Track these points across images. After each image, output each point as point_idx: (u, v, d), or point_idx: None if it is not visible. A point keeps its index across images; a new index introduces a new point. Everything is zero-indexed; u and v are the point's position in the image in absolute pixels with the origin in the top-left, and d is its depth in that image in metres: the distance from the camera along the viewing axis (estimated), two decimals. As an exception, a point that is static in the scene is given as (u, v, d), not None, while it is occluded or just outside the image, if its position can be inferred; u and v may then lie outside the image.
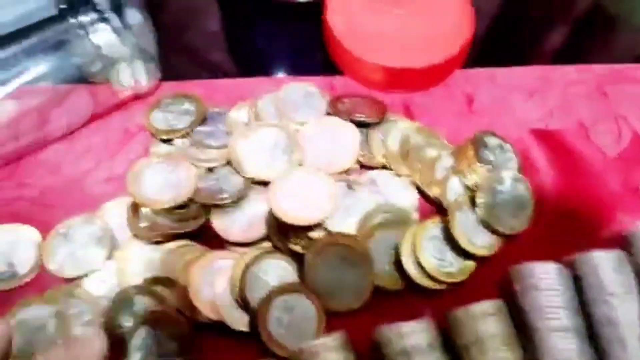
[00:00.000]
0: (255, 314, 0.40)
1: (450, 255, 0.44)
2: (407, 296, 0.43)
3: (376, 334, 0.38)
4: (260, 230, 0.44)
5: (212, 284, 0.41)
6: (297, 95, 0.49)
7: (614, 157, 0.49)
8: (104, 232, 0.43)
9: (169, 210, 0.43)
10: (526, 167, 0.48)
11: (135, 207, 0.44)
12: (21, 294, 0.42)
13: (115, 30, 0.46)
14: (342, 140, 0.47)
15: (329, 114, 0.49)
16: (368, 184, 0.47)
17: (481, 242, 0.44)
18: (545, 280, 0.39)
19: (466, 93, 0.53)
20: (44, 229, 0.44)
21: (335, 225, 0.44)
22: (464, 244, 0.44)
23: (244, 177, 0.45)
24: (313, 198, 0.44)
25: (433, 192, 0.46)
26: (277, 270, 0.42)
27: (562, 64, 0.54)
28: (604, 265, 0.40)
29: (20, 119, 0.46)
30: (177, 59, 0.55)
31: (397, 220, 0.45)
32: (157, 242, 0.43)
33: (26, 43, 0.47)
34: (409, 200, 0.46)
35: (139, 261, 0.42)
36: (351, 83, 0.53)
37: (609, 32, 0.59)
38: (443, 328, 0.39)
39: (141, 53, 0.47)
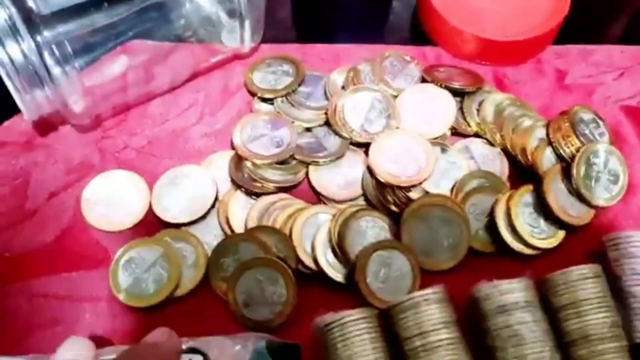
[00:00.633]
0: (353, 267, 0.42)
1: (542, 223, 0.45)
2: (499, 260, 0.44)
3: (475, 290, 0.39)
4: (357, 189, 0.46)
5: (314, 236, 0.43)
6: (395, 63, 0.51)
7: None
8: (210, 182, 0.45)
9: (270, 165, 0.45)
10: (617, 142, 0.49)
11: (238, 160, 0.46)
12: (130, 237, 0.44)
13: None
14: (438, 106, 0.48)
15: (423, 81, 0.50)
16: (462, 150, 0.48)
17: (574, 212, 0.45)
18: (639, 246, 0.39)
19: (557, 69, 0.53)
20: (150, 176, 0.46)
21: (430, 187, 0.45)
22: (557, 212, 0.44)
23: (342, 137, 0.47)
24: (412, 159, 0.45)
25: (526, 161, 0.47)
26: (374, 227, 0.44)
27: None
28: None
29: (128, 72, 0.48)
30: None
31: (491, 187, 0.46)
32: (257, 194, 0.45)
33: (135, 2, 0.49)
34: (500, 168, 0.47)
35: (242, 210, 0.44)
36: (443, 54, 0.54)
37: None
38: (539, 290, 0.40)
39: (249, 13, 0.48)
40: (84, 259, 0.43)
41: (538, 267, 0.42)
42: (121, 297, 0.41)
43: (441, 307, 0.38)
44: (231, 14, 0.48)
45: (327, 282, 0.43)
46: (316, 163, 0.46)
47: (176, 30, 0.49)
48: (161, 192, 0.45)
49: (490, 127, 0.48)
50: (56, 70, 0.42)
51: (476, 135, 0.49)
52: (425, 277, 0.42)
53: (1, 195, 0.46)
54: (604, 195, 0.45)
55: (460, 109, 0.49)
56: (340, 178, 0.46)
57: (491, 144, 0.48)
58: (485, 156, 0.48)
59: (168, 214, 0.44)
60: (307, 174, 0.46)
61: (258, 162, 0.45)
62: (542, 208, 0.45)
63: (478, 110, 0.49)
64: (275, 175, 0.45)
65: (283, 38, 0.55)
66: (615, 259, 0.41)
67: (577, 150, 0.46)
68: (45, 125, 0.48)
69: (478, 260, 0.44)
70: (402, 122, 0.48)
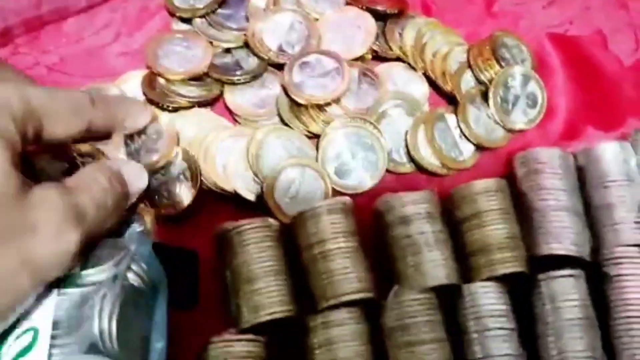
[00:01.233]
0: (264, 183, 0.41)
1: (458, 144, 0.45)
2: (416, 179, 0.44)
3: (378, 202, 0.39)
4: (272, 109, 0.45)
5: (227, 151, 0.42)
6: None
7: (630, 66, 0.49)
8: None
9: (183, 81, 0.44)
10: (542, 69, 0.48)
11: (151, 77, 0.45)
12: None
13: None
14: (359, 28, 0.48)
15: (348, 4, 0.49)
16: (382, 73, 0.47)
17: (490, 135, 0.45)
18: (548, 164, 0.40)
19: (487, -4, 0.53)
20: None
21: (349, 109, 0.45)
22: (472, 134, 0.44)
23: (260, 57, 0.46)
24: (328, 79, 0.44)
25: (446, 85, 0.47)
26: (289, 146, 0.43)
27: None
28: (607, 154, 0.40)
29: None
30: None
31: (409, 108, 0.45)
32: (171, 110, 0.44)
33: None
34: (420, 91, 0.47)
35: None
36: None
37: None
38: (446, 206, 0.40)
39: None
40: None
41: (454, 185, 0.42)
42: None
43: (341, 217, 0.38)
44: None
45: (243, 204, 0.42)
46: (232, 82, 0.45)
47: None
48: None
49: (412, 51, 0.48)
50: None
51: (398, 59, 0.48)
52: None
53: None
54: (521, 119, 0.45)
55: (383, 32, 0.48)
56: (256, 98, 0.45)
57: (413, 68, 0.48)
58: (406, 80, 0.47)
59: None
60: (222, 93, 0.45)
61: (171, 77, 0.44)
62: (459, 129, 0.45)
63: (401, 34, 0.48)
64: (188, 91, 0.44)
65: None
66: (522, 175, 0.41)
67: (497, 74, 0.46)
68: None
69: (397, 180, 0.44)
70: (322, 44, 0.47)
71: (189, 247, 0.37)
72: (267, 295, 0.36)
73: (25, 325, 0.30)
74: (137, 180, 0.35)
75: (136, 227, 0.36)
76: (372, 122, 0.44)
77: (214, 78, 0.45)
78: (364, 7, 0.48)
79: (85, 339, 0.30)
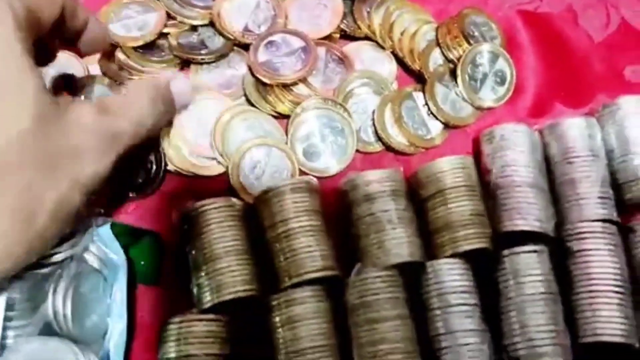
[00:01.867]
0: (229, 163, 0.41)
1: (426, 122, 0.45)
2: (385, 158, 0.44)
3: (343, 181, 0.39)
4: (239, 90, 0.45)
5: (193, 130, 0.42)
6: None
7: (600, 42, 0.49)
8: (82, 70, 0.44)
9: (142, 57, 0.44)
10: (511, 46, 0.48)
11: (109, 52, 0.44)
12: None
13: None
14: (325, 7, 0.47)
15: (315, -17, 0.49)
16: (350, 53, 0.47)
17: (458, 113, 0.45)
18: (513, 140, 0.39)
19: (456, -27, 0.52)
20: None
21: (317, 89, 0.44)
22: (440, 112, 0.44)
23: (225, 37, 0.45)
24: (294, 58, 0.44)
25: (414, 64, 0.46)
26: (256, 127, 0.43)
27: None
28: (572, 130, 0.40)
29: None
30: None
31: (376, 87, 0.45)
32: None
33: None
34: (388, 70, 0.47)
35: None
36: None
37: None
38: (413, 186, 0.40)
39: None
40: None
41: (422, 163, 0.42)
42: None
43: (305, 196, 0.38)
44: None
45: (208, 184, 0.42)
46: (197, 61, 0.45)
47: None
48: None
49: (380, 29, 0.47)
50: None
51: (366, 38, 0.48)
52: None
53: None
54: (489, 96, 0.45)
55: (351, 11, 0.48)
56: (222, 78, 0.45)
57: (381, 47, 0.47)
58: (374, 59, 0.47)
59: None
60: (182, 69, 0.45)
61: (124, 45, 0.44)
62: (427, 108, 0.45)
63: (369, 13, 0.48)
64: (144, 65, 0.44)
65: None
66: (488, 152, 0.40)
67: (465, 52, 0.45)
68: None
69: (368, 159, 0.44)
70: (289, 23, 0.46)
71: (152, 227, 0.37)
72: (229, 275, 0.35)
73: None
74: (184, 97, 0.35)
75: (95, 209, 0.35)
76: (343, 106, 0.44)
77: (177, 56, 0.45)
78: (333, -14, 0.47)
79: (40, 320, 0.30)
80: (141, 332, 0.36)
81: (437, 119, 0.45)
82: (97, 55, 0.44)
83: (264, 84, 0.44)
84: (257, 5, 0.47)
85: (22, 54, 0.27)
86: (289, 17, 0.47)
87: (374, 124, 0.44)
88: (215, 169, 0.42)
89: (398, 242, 0.36)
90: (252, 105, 0.44)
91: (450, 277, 0.36)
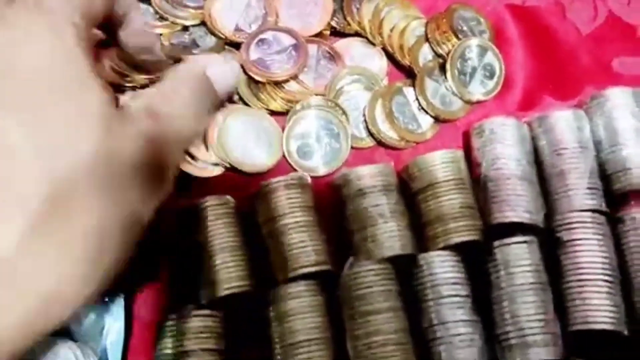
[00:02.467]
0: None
1: (417, 117, 0.45)
2: (376, 153, 0.45)
3: (336, 176, 0.40)
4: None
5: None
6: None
7: (588, 34, 0.50)
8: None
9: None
10: (500, 40, 0.48)
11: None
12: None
13: None
14: (316, 4, 0.47)
15: (305, -19, 0.49)
16: (341, 49, 0.47)
17: (448, 107, 0.45)
18: (502, 133, 0.40)
19: (444, -32, 0.53)
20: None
21: (308, 86, 0.45)
22: (430, 107, 0.45)
23: (217, 36, 0.46)
24: (285, 55, 0.45)
25: (404, 59, 0.47)
26: (255, 126, 0.43)
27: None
28: (560, 122, 0.41)
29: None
30: None
31: (367, 83, 0.46)
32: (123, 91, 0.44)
33: None
34: (379, 66, 0.47)
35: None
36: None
37: None
38: (405, 180, 0.40)
39: None
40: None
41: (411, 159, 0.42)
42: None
43: (298, 192, 0.38)
44: None
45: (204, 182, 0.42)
46: (189, 62, 0.45)
47: None
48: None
49: (370, 26, 0.48)
50: None
51: (356, 34, 0.48)
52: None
53: None
54: (479, 90, 0.46)
55: (341, 8, 0.48)
56: (214, 77, 0.45)
57: (371, 43, 0.48)
58: (364, 55, 0.48)
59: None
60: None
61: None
62: (417, 103, 0.45)
63: (358, 9, 0.48)
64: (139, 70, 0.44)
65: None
66: (478, 146, 0.41)
67: (454, 47, 0.46)
68: None
69: (360, 155, 0.44)
70: (279, 22, 0.47)
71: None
72: (225, 271, 0.36)
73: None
74: (225, 79, 0.29)
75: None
76: (343, 110, 0.45)
77: (170, 56, 0.45)
78: (322, -17, 0.48)
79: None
80: (138, 329, 0.36)
81: (427, 113, 0.45)
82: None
83: (256, 82, 0.44)
84: (247, 4, 0.47)
85: (85, 66, 0.25)
86: (280, 15, 0.47)
87: (365, 120, 0.45)
88: (214, 170, 0.42)
89: (390, 235, 0.37)
90: (245, 103, 0.45)
91: (442, 269, 0.37)
